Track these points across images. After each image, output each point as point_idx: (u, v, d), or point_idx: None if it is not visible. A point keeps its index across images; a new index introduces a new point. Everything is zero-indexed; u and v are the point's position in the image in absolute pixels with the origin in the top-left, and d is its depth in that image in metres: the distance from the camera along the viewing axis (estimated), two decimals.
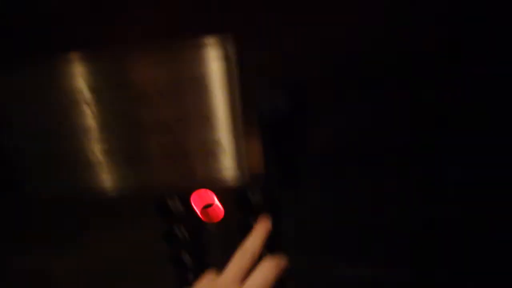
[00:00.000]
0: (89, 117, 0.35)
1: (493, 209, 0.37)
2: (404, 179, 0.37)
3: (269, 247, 0.38)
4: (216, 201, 0.39)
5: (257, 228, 0.36)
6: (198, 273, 0.41)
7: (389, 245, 0.40)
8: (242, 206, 0.38)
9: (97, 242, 0.41)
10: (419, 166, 0.36)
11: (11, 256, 0.43)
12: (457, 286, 0.41)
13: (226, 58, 0.33)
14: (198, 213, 0.39)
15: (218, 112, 0.35)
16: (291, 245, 0.40)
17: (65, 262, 0.43)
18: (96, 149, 0.37)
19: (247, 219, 0.38)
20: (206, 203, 0.39)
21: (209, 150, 0.36)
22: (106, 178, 0.38)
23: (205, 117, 0.35)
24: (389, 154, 0.35)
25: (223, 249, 0.41)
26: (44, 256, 0.43)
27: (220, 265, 0.37)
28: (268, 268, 0.33)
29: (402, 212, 0.39)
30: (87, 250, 0.42)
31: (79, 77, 0.34)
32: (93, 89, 0.34)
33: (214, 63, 0.34)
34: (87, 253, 0.42)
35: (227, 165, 0.37)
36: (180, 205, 0.39)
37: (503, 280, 0.40)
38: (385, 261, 0.41)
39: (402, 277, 0.40)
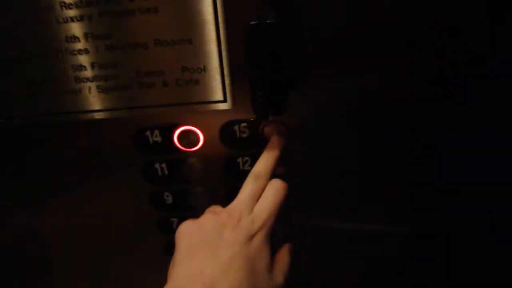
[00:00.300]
0: (60, 40, 0.32)
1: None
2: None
3: None
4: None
5: (268, 149, 0.34)
6: (179, 213, 0.40)
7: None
8: (227, 140, 0.36)
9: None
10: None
11: None
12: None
13: None
14: (177, 142, 0.36)
15: (203, 34, 0.32)
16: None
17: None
18: (71, 73, 0.33)
19: (232, 155, 0.37)
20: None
21: (193, 78, 0.34)
22: (83, 105, 0.35)
23: (187, 40, 0.32)
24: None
25: (206, 188, 0.39)
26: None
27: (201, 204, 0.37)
28: (276, 192, 0.32)
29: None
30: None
31: None
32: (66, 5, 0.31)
33: None
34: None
35: (212, 95, 0.34)
36: (160, 137, 0.36)
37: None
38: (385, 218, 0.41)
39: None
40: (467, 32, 0.32)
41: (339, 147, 0.37)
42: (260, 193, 0.32)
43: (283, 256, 0.33)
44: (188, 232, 0.31)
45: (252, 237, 0.30)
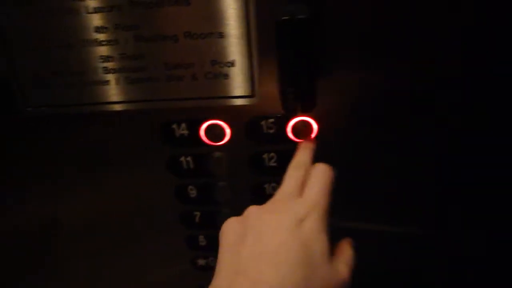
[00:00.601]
0: (89, 31, 0.32)
1: None
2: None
3: None
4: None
5: (302, 145, 0.33)
6: (203, 206, 0.40)
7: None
8: (253, 135, 0.36)
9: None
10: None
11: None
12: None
13: None
14: (204, 136, 0.36)
15: (234, 28, 0.31)
16: None
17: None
18: (99, 63, 0.33)
19: (257, 150, 0.36)
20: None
21: (222, 72, 0.33)
22: (111, 95, 0.35)
23: (218, 33, 0.32)
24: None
25: (230, 183, 0.39)
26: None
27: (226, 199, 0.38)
28: (322, 173, 0.29)
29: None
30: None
31: None
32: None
33: None
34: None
35: (240, 89, 0.34)
36: (187, 131, 0.36)
37: None
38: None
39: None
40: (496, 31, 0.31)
41: (362, 147, 0.36)
42: (304, 180, 0.30)
43: (346, 247, 0.29)
44: (232, 228, 0.28)
45: (301, 220, 0.26)
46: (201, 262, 0.43)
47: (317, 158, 0.36)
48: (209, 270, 0.43)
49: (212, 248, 0.42)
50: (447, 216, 0.39)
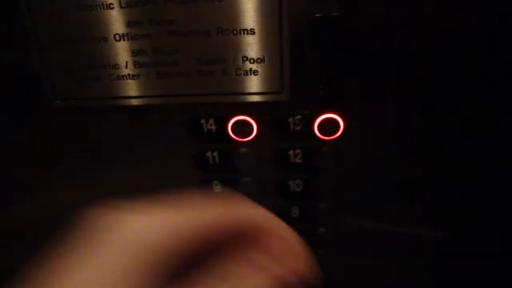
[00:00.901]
0: (122, 25, 0.33)
1: None
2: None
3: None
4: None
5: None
6: None
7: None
8: (280, 131, 0.36)
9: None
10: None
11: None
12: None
13: None
14: (231, 132, 0.36)
15: (266, 25, 0.32)
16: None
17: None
18: (127, 59, 0.34)
19: (283, 147, 0.37)
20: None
21: (252, 68, 0.34)
22: (141, 90, 0.35)
23: (250, 30, 0.32)
24: None
25: (256, 178, 0.39)
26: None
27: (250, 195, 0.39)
28: None
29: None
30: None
31: None
32: None
33: None
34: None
35: (269, 86, 0.34)
36: (215, 126, 0.36)
37: None
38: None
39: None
40: None
41: (389, 147, 0.37)
42: None
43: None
44: None
45: None
46: None
47: (344, 156, 0.37)
48: None
49: None
50: (471, 219, 0.39)
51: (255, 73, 0.34)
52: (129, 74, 0.35)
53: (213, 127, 0.36)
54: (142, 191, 0.41)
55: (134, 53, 0.34)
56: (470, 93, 0.33)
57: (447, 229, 0.40)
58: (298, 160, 0.37)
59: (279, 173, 0.38)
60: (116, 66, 0.35)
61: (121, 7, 0.33)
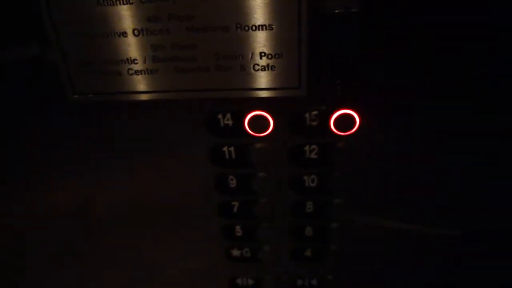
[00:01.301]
0: (141, 20, 0.33)
1: None
2: None
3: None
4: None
5: None
6: (242, 196, 0.41)
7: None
8: (296, 127, 0.36)
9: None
10: None
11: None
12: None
13: None
14: (247, 127, 0.37)
15: (285, 20, 0.32)
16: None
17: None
18: (145, 54, 0.34)
19: (299, 142, 0.37)
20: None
21: (270, 63, 0.34)
22: (160, 84, 0.35)
23: (269, 26, 0.32)
24: None
25: (271, 174, 0.39)
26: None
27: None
28: None
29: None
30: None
31: None
32: None
33: None
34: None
35: (287, 81, 0.34)
36: (231, 121, 0.36)
37: None
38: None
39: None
40: None
41: (406, 144, 0.37)
42: None
43: None
44: None
45: None
46: (235, 253, 0.44)
47: (359, 154, 0.37)
48: (243, 262, 0.44)
49: (248, 239, 0.43)
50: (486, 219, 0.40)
51: (273, 69, 0.34)
52: (147, 69, 0.35)
53: (230, 122, 0.36)
54: (154, 186, 0.41)
55: (153, 48, 0.34)
56: (494, 93, 0.34)
57: (459, 229, 0.41)
58: (313, 156, 0.38)
59: (294, 168, 0.38)
60: (134, 61, 0.35)
61: (141, 2, 0.33)
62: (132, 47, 0.34)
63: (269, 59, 0.34)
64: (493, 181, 0.38)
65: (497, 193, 0.38)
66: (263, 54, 0.34)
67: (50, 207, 0.43)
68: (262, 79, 0.35)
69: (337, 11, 0.31)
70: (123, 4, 0.33)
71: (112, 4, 0.33)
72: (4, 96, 0.38)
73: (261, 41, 0.33)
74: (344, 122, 0.36)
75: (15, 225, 0.45)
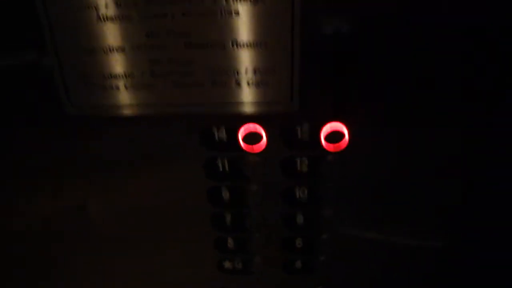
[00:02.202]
0: (140, 35, 0.34)
1: None
2: None
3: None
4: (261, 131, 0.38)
5: None
6: (235, 209, 0.42)
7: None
8: (288, 140, 0.38)
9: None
10: None
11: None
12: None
13: None
14: (241, 143, 0.38)
15: (278, 38, 0.33)
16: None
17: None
18: (143, 69, 0.35)
19: (291, 155, 0.38)
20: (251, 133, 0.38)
21: (263, 79, 0.35)
22: (157, 98, 0.36)
23: (263, 43, 0.34)
24: None
25: (263, 186, 0.40)
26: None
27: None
28: None
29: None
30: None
31: None
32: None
33: None
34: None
35: (280, 96, 0.36)
36: (225, 135, 0.38)
37: None
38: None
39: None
40: None
41: (395, 158, 0.38)
42: None
43: None
44: None
45: None
46: (227, 265, 0.44)
47: (347, 168, 0.38)
48: (235, 274, 0.45)
49: (240, 251, 0.44)
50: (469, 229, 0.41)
51: (266, 84, 0.35)
52: (144, 83, 0.36)
53: (224, 136, 0.37)
54: (147, 198, 0.42)
55: (151, 62, 0.35)
56: (482, 107, 0.35)
57: (451, 240, 0.42)
58: (304, 168, 0.39)
59: (285, 181, 0.39)
60: (132, 75, 0.36)
61: (140, 18, 0.34)
62: (130, 62, 0.35)
63: (263, 75, 0.35)
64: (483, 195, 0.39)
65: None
66: (257, 70, 0.35)
67: (40, 217, 0.43)
68: (256, 94, 0.36)
69: (328, 32, 0.32)
70: (123, 19, 0.34)
71: (112, 19, 0.34)
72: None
73: (256, 57, 0.35)
74: (334, 136, 0.37)
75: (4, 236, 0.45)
